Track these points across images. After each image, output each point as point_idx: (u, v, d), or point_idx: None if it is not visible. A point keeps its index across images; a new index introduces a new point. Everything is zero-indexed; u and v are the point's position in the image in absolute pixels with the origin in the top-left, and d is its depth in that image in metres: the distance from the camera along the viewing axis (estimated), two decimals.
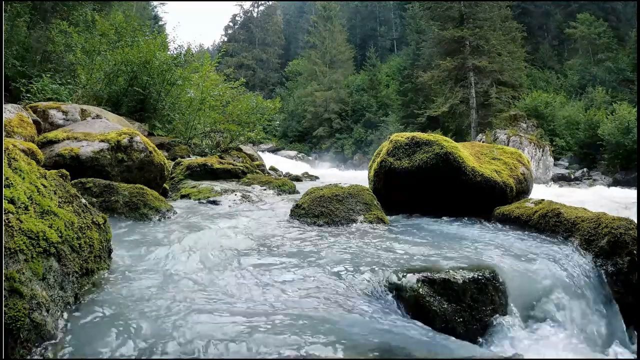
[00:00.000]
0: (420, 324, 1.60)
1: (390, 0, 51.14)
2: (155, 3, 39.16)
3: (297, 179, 9.04)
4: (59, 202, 1.45)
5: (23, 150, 2.95)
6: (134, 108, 8.86)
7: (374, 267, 1.91)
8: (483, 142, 18.52)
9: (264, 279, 1.79)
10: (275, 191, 5.02)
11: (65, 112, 5.42)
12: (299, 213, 3.02)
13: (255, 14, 56.92)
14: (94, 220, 1.62)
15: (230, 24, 59.19)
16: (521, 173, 3.80)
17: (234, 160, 7.49)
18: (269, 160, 13.99)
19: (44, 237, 1.23)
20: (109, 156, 3.70)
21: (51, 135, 3.89)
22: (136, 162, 3.88)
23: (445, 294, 1.69)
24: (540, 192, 7.85)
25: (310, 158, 34.91)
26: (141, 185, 3.26)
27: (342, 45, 42.66)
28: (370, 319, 1.52)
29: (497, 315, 1.75)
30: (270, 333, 1.29)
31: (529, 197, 3.67)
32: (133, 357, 1.14)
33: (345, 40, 43.48)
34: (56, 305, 1.19)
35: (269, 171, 9.18)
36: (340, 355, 1.20)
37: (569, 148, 23.76)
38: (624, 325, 2.02)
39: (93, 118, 5.65)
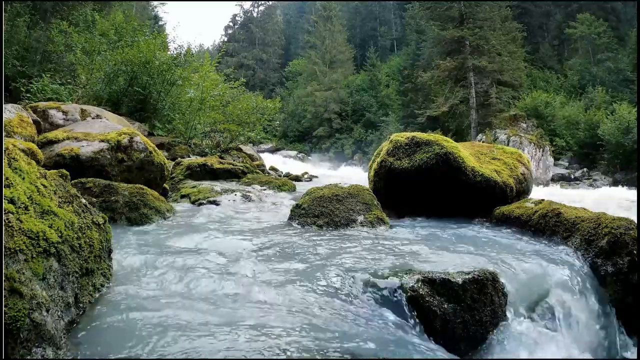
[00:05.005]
0: (419, 324, 1.60)
1: (390, 0, 51.09)
2: (155, 3, 39.06)
3: (297, 179, 9.04)
4: (59, 202, 1.45)
5: (23, 150, 2.94)
6: (134, 108, 8.86)
7: (373, 267, 1.91)
8: (483, 142, 18.51)
9: (263, 280, 1.79)
10: (275, 191, 5.02)
11: (65, 112, 5.42)
12: (299, 213, 3.01)
13: (255, 14, 56.85)
14: (94, 220, 1.62)
15: (230, 24, 59.07)
16: (521, 173, 3.80)
17: (234, 160, 7.48)
18: (269, 160, 13.98)
19: (44, 237, 1.23)
20: (109, 156, 3.70)
21: (51, 135, 3.89)
22: (136, 162, 3.88)
23: (445, 294, 1.69)
24: (541, 192, 7.84)
25: (310, 158, 34.83)
26: (141, 185, 3.26)
27: (342, 45, 42.59)
28: (369, 320, 1.52)
29: (497, 315, 1.75)
30: (269, 335, 1.29)
31: (529, 197, 3.67)
32: (133, 358, 1.14)
33: (345, 40, 43.39)
34: (56, 306, 1.19)
35: (269, 171, 9.17)
36: (337, 356, 1.20)
37: (569, 148, 23.73)
38: (624, 326, 2.02)
39: (93, 118, 5.65)
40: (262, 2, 57.59)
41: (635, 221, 2.26)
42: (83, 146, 3.66)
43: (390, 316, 1.59)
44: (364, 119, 36.34)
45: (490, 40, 24.04)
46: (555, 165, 21.89)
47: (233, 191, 4.36)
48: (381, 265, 1.93)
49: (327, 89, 38.46)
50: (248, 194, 4.38)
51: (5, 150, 1.33)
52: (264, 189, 5.02)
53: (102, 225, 1.65)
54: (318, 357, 1.17)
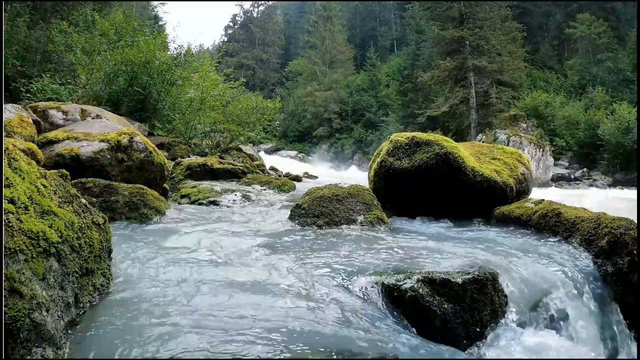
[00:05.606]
0: (419, 324, 1.59)
1: (390, 0, 51.09)
2: (155, 3, 39.07)
3: (297, 179, 9.03)
4: (59, 202, 1.45)
5: (23, 150, 2.94)
6: (134, 108, 8.86)
7: (374, 267, 1.91)
8: (483, 142, 18.51)
9: (262, 280, 1.79)
10: (275, 191, 5.02)
11: (65, 112, 5.42)
12: (299, 213, 3.01)
13: (255, 14, 56.90)
14: (94, 220, 1.62)
15: (230, 24, 59.17)
16: (521, 173, 3.80)
17: (234, 160, 7.48)
18: (269, 160, 13.99)
19: (44, 237, 1.23)
20: (109, 156, 3.70)
21: (51, 135, 3.89)
22: (136, 162, 3.88)
23: (445, 294, 1.69)
24: (540, 192, 7.85)
25: (310, 158, 34.82)
26: (141, 185, 3.26)
27: (342, 45, 42.63)
28: (369, 319, 1.52)
29: (497, 316, 1.75)
30: (268, 334, 1.29)
31: (529, 197, 3.67)
32: (133, 358, 1.14)
33: (345, 40, 43.43)
34: (56, 306, 1.19)
35: (269, 171, 9.17)
36: (337, 356, 1.20)
37: (569, 148, 23.75)
38: (624, 326, 2.02)
39: (93, 118, 5.65)
40: (262, 2, 57.63)
41: (635, 221, 2.26)
42: (83, 146, 3.66)
43: (391, 316, 1.59)
44: (364, 119, 36.35)
45: (490, 40, 24.04)
46: (555, 165, 21.91)
47: (233, 191, 4.37)
48: (381, 265, 1.93)
49: (327, 89, 38.48)
50: (248, 194, 4.38)
51: (5, 150, 1.33)
52: (264, 189, 5.02)
53: (102, 225, 1.65)
54: (318, 356, 1.17)
